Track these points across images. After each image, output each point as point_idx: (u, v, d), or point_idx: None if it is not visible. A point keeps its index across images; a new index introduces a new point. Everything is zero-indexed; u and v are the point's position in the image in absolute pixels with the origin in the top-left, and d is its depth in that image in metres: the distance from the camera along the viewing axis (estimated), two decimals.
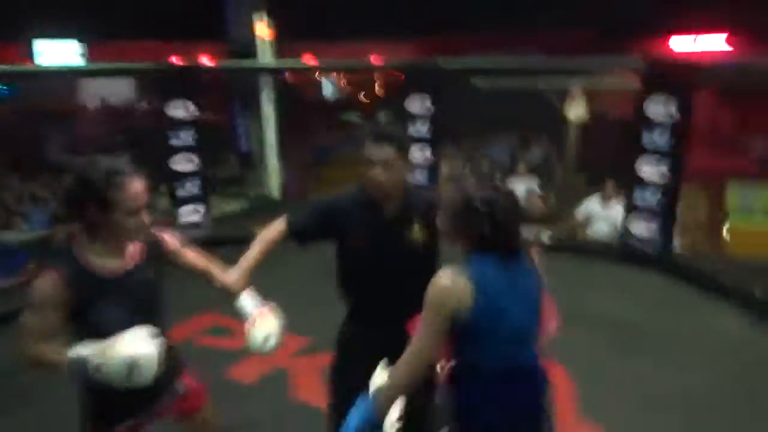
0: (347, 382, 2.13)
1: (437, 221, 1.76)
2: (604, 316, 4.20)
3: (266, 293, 4.65)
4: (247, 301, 2.24)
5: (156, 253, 1.99)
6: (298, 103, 15.19)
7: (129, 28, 12.12)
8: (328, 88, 17.63)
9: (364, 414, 1.67)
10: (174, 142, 5.34)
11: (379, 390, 1.69)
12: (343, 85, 17.60)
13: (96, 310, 1.73)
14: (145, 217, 1.78)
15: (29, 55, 11.41)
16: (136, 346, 1.65)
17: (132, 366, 1.63)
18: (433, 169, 5.98)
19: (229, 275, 2.25)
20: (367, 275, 2.25)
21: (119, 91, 13.29)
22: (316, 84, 17.77)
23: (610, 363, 3.60)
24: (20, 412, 3.20)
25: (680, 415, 3.08)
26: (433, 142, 5.93)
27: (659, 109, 4.75)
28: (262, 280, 4.83)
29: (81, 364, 1.63)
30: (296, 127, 12.99)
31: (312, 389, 3.31)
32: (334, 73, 17.18)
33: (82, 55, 11.43)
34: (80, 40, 11.50)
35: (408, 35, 13.07)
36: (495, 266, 1.62)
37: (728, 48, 9.39)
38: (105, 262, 1.78)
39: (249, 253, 2.30)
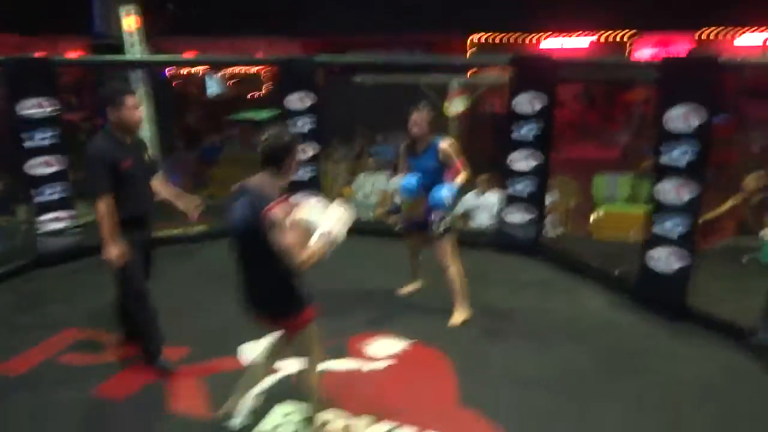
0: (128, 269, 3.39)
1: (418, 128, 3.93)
2: (480, 303, 4.36)
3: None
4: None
5: None
6: (182, 102, 14.56)
7: None
8: (214, 87, 17.03)
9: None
10: (29, 144, 4.87)
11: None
12: (229, 83, 17.07)
13: None
14: None
15: None
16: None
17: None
18: (315, 165, 5.95)
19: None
20: (129, 183, 3.32)
21: None
22: (201, 83, 17.10)
23: (487, 349, 3.74)
24: None
25: (552, 394, 3.25)
26: (315, 138, 5.88)
27: (526, 103, 5.02)
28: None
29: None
30: (180, 127, 12.42)
31: (190, 400, 3.16)
32: (221, 72, 16.65)
33: None
34: None
35: (295, 35, 12.96)
36: None
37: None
38: None
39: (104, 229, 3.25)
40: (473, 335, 3.90)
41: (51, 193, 5.01)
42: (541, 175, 5.17)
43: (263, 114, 11.75)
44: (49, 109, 4.95)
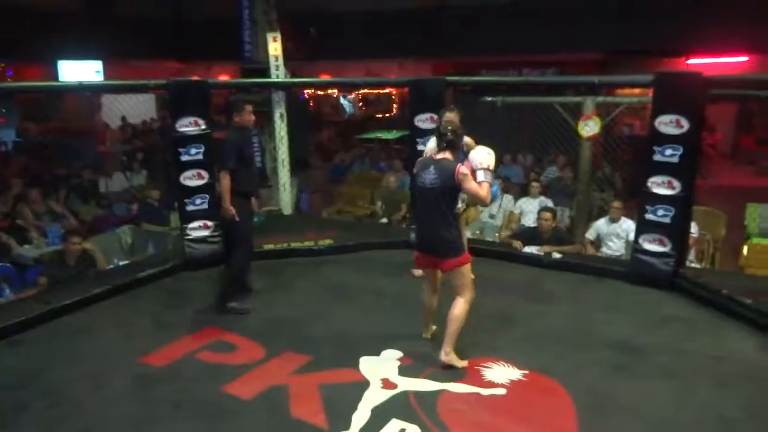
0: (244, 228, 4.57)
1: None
2: (612, 337, 4.09)
3: (268, 311, 4.68)
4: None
5: None
6: (317, 122, 15.37)
7: (149, 49, 12.47)
8: (347, 107, 17.79)
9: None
10: (184, 158, 5.38)
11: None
12: (361, 104, 17.74)
13: None
14: None
15: (54, 75, 11.78)
16: None
17: None
18: None
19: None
20: (247, 166, 4.60)
21: (140, 110, 13.58)
22: (335, 103, 17.96)
23: (614, 386, 3.48)
24: (18, 423, 3.21)
25: None
26: None
27: (670, 124, 4.68)
28: (267, 299, 4.87)
29: None
30: (313, 145, 13.11)
31: (309, 407, 3.27)
32: (353, 93, 17.39)
33: (99, 72, 11.69)
34: (100, 60, 11.79)
35: (426, 57, 13.19)
36: None
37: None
38: None
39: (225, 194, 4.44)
40: (599, 370, 3.65)
41: (200, 203, 5.47)
42: (683, 201, 4.77)
43: (391, 134, 12.07)
44: (202, 127, 5.43)
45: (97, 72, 12.30)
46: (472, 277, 4.32)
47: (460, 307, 3.62)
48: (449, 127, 3.67)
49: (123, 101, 10.81)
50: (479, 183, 3.57)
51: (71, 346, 4.05)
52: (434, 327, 3.99)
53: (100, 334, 4.24)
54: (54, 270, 5.33)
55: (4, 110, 12.98)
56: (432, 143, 4.12)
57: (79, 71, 11.73)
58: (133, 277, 5.15)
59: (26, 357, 3.90)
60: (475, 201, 3.88)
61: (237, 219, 4.45)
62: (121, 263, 5.98)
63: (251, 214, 4.80)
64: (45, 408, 3.30)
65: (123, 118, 13.81)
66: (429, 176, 3.58)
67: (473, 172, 3.59)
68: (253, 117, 4.65)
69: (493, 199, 3.80)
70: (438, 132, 3.72)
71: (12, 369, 3.74)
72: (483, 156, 3.63)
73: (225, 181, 4.41)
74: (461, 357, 3.68)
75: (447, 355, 3.62)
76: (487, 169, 3.60)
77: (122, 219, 7.89)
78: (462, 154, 4.00)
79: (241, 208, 4.50)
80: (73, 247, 5.31)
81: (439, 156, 3.62)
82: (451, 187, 3.54)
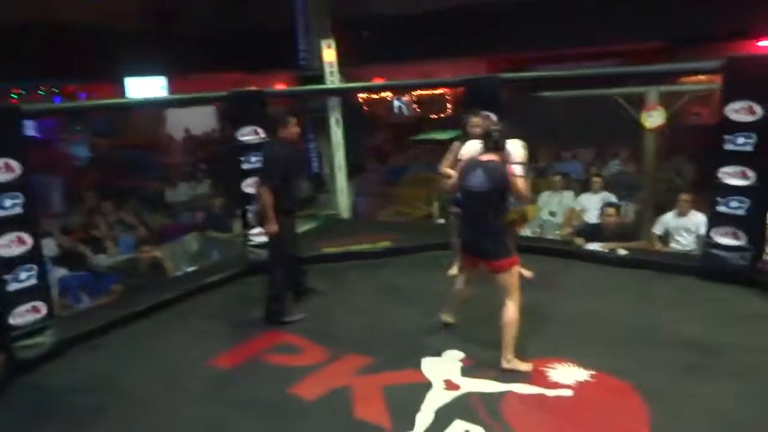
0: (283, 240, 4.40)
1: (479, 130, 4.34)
2: (685, 336, 3.91)
3: (329, 313, 4.74)
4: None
5: None
6: (371, 124, 15.44)
7: (209, 62, 12.92)
8: (401, 109, 17.81)
9: None
10: (245, 166, 5.52)
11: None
12: (414, 106, 17.71)
13: None
14: None
15: (122, 92, 12.38)
16: None
17: None
18: None
19: None
20: (291, 181, 4.44)
21: (202, 122, 14.09)
22: (389, 106, 18.00)
23: (688, 387, 3.33)
24: (98, 423, 3.38)
25: None
26: None
27: (743, 111, 4.44)
28: (328, 301, 4.92)
29: None
30: (368, 149, 13.19)
31: (373, 408, 3.29)
32: (407, 95, 17.38)
33: (164, 88, 12.14)
34: (165, 76, 12.24)
35: (479, 55, 13.03)
36: None
37: None
38: None
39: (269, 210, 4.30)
40: (671, 370, 3.50)
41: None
42: (759, 192, 4.51)
43: (446, 135, 11.96)
44: (261, 136, 5.56)
45: (163, 87, 12.81)
46: (531, 274, 4.31)
47: (511, 310, 3.56)
48: (494, 128, 3.64)
49: (186, 114, 11.23)
50: (517, 178, 3.58)
51: (145, 349, 4.24)
52: (453, 319, 4.13)
53: (171, 338, 4.41)
54: (127, 277, 5.59)
55: (78, 128, 13.75)
56: (472, 145, 4.03)
57: (144, 87, 12.26)
58: (201, 282, 5.33)
59: (104, 361, 4.10)
60: (519, 200, 3.85)
61: (278, 238, 4.33)
62: (188, 270, 6.20)
63: (293, 231, 4.64)
64: (122, 409, 3.47)
65: (186, 130, 14.34)
66: (477, 179, 3.54)
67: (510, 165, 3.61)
68: (297, 129, 4.50)
69: None
70: (485, 133, 3.69)
71: (91, 372, 3.94)
72: (519, 149, 3.64)
73: (267, 198, 4.24)
74: (524, 358, 3.62)
75: (509, 362, 3.56)
76: (522, 163, 3.61)
77: (188, 227, 8.17)
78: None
79: (282, 226, 4.33)
80: (144, 256, 5.56)
81: (485, 158, 3.59)
82: (501, 189, 3.52)
